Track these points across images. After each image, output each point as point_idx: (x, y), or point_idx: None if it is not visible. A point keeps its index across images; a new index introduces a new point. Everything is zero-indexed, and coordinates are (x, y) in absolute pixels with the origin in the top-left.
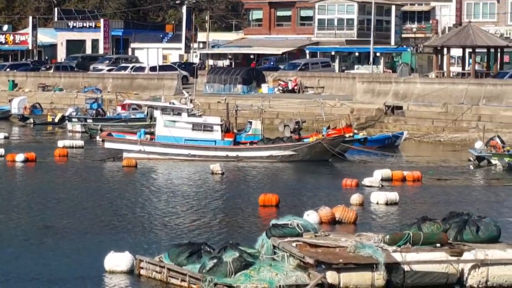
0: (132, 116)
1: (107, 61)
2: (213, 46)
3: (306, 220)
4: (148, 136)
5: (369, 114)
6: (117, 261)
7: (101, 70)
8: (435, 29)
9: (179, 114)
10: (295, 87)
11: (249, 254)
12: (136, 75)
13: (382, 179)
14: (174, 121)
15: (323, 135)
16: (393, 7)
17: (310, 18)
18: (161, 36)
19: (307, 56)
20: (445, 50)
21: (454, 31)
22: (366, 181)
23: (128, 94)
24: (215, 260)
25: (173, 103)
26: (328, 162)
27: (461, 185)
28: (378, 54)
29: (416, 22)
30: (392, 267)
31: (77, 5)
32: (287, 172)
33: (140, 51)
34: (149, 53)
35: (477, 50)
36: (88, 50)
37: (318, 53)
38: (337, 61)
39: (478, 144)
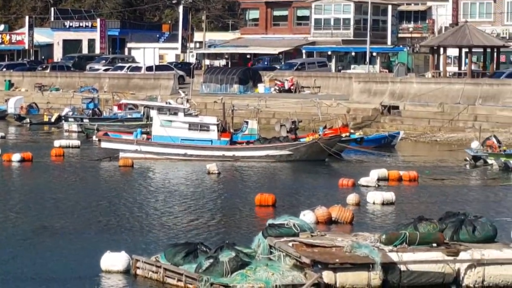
0: (129, 116)
1: (104, 61)
2: (209, 46)
3: (302, 220)
4: (145, 136)
5: (366, 114)
6: (113, 261)
7: (98, 70)
8: (432, 29)
9: (175, 114)
10: (292, 87)
11: (245, 254)
12: (133, 75)
13: (379, 179)
14: (171, 121)
15: (319, 135)
16: (390, 7)
17: (306, 18)
18: (157, 36)
19: (304, 56)
20: (441, 50)
21: (450, 30)
22: (363, 181)
23: (124, 94)
24: (211, 260)
25: (170, 103)
26: (325, 162)
27: (458, 185)
28: (374, 54)
29: (412, 22)
30: (389, 267)
31: (74, 4)
32: (284, 172)
33: (136, 51)
34: (145, 53)
35: (473, 50)
36: (85, 50)
37: (315, 52)
38: (333, 61)
39: (475, 144)
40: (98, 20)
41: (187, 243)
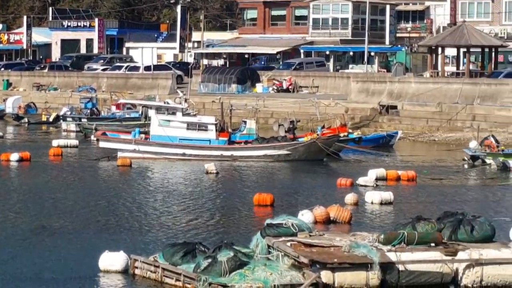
0: (127, 116)
1: (102, 61)
2: (207, 46)
3: (300, 219)
4: (143, 136)
5: (364, 114)
6: (111, 260)
7: (96, 69)
8: (430, 28)
9: (173, 113)
10: (290, 87)
11: (243, 254)
12: (131, 75)
13: (377, 179)
14: (169, 121)
15: (317, 135)
16: (388, 7)
17: (304, 18)
18: (155, 35)
19: (302, 56)
20: (439, 49)
21: (448, 30)
22: (361, 180)
23: (122, 93)
24: (209, 260)
25: (168, 103)
26: (323, 161)
27: (456, 185)
28: (372, 53)
29: (410, 22)
30: (387, 266)
31: (72, 4)
32: (282, 172)
33: (134, 50)
34: (143, 53)
35: (471, 49)
36: (83, 50)
37: (313, 52)
38: (331, 60)
39: (473, 144)
40: (96, 19)
41: (185, 243)
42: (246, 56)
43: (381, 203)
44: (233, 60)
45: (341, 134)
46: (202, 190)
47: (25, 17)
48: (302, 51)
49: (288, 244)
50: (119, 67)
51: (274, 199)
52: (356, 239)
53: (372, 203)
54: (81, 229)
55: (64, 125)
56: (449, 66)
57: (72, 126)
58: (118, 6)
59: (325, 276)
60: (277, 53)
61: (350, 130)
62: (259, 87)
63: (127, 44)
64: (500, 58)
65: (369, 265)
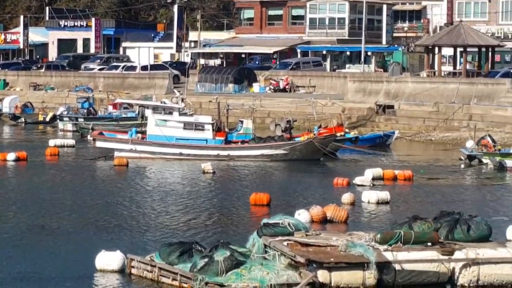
0: (124, 115)
1: (99, 60)
2: (204, 45)
3: (297, 219)
4: (140, 135)
5: (361, 113)
6: (108, 260)
7: (93, 69)
8: (427, 28)
9: (170, 113)
10: (287, 86)
11: (240, 253)
12: (128, 74)
13: (374, 178)
14: (166, 120)
15: (314, 134)
16: (385, 6)
17: (301, 17)
18: (152, 35)
19: (299, 55)
20: (436, 49)
21: (445, 30)
22: (358, 180)
23: (119, 93)
24: (206, 259)
25: (165, 102)
26: (320, 161)
27: (452, 184)
28: (369, 53)
29: (407, 21)
30: (383, 266)
31: (69, 4)
32: (279, 171)
33: (131, 50)
34: (140, 52)
35: (468, 49)
36: (80, 49)
37: (310, 52)
38: (328, 60)
39: (469, 143)
40: (93, 19)
41: (182, 242)
42: (243, 56)
43: (377, 203)
44: (230, 60)
45: (338, 134)
46: (198, 189)
47: (22, 17)
48: (299, 50)
49: (285, 243)
50: (116, 67)
51: (270, 198)
52: (352, 239)
53: (368, 202)
54: (78, 228)
55: (61, 124)
56: (446, 65)
57: (69, 126)
58: (115, 5)
59: (322, 275)
60: (274, 52)
61: (347, 130)
62: (256, 87)
63: (124, 44)
64: (497, 57)
65: (365, 265)
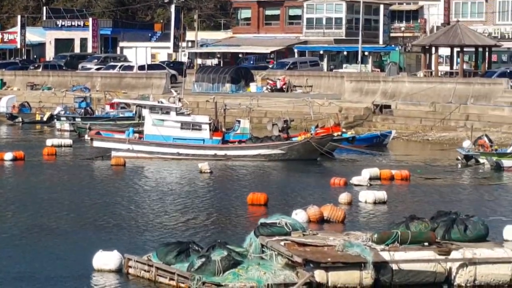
0: (121, 115)
1: (96, 60)
2: (201, 45)
3: (294, 219)
4: (137, 135)
5: (358, 113)
6: (105, 260)
7: (90, 69)
8: (423, 28)
9: (167, 113)
10: (284, 86)
11: (237, 253)
12: (125, 74)
13: (371, 178)
14: (163, 120)
15: (311, 134)
16: (382, 6)
17: (298, 17)
18: (149, 35)
19: (296, 55)
20: (433, 49)
21: (442, 30)
22: (355, 180)
23: (116, 93)
24: (203, 259)
25: (162, 102)
26: (317, 161)
27: (449, 184)
28: (366, 53)
29: (404, 21)
30: (380, 266)
31: (66, 4)
32: (276, 171)
33: (128, 50)
34: (137, 52)
35: (465, 49)
36: (77, 49)
37: (307, 52)
38: (325, 60)
39: (466, 143)
40: (90, 19)
41: (179, 242)
42: (240, 55)
43: (374, 203)
44: (227, 60)
45: (335, 134)
46: (196, 189)
47: (19, 17)
48: (296, 50)
49: (282, 243)
50: (113, 67)
51: (268, 198)
52: (349, 239)
53: (365, 202)
54: (75, 228)
55: (58, 124)
56: (442, 65)
57: (66, 126)
58: (112, 5)
59: (319, 275)
60: (271, 52)
61: (344, 130)
62: (253, 87)
63: (121, 44)
64: (494, 57)
65: (362, 265)
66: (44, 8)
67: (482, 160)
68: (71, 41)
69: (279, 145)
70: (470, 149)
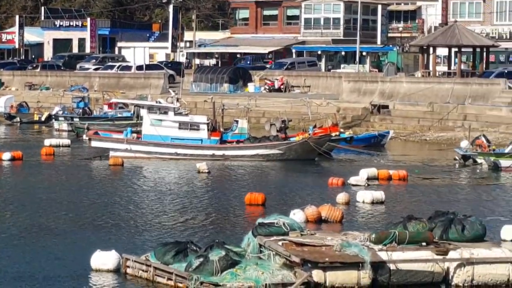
0: (119, 115)
1: (94, 60)
2: (199, 45)
3: (292, 219)
4: (135, 135)
5: (355, 113)
6: (103, 259)
7: (88, 69)
8: (421, 28)
9: (165, 113)
10: (282, 86)
11: (235, 253)
12: (123, 74)
13: (368, 178)
14: (161, 120)
15: (309, 134)
16: (379, 7)
17: (296, 18)
18: (147, 35)
19: (294, 55)
20: (431, 49)
21: (440, 30)
22: (352, 180)
23: (114, 93)
24: (201, 259)
25: (160, 102)
26: (314, 161)
27: (447, 184)
28: (364, 53)
29: (402, 22)
30: (378, 266)
31: (64, 4)
32: (274, 171)
33: (126, 50)
34: (135, 52)
35: (463, 49)
36: (75, 49)
37: (305, 52)
38: (323, 60)
39: (464, 143)
40: (88, 19)
41: (177, 242)
42: (238, 55)
43: (372, 203)
44: (225, 60)
45: (333, 134)
46: (194, 189)
47: (17, 17)
48: (294, 50)
49: (280, 243)
50: (111, 67)
51: (265, 198)
52: (347, 239)
53: (363, 202)
54: (73, 228)
55: (56, 124)
56: (440, 66)
57: (64, 126)
58: (110, 5)
59: (317, 275)
60: (269, 52)
61: (342, 130)
62: (251, 87)
63: (119, 44)
64: (492, 58)
65: (360, 265)
66: (42, 8)
67: (479, 160)
68: (69, 41)
69: (277, 145)
70: (468, 149)
